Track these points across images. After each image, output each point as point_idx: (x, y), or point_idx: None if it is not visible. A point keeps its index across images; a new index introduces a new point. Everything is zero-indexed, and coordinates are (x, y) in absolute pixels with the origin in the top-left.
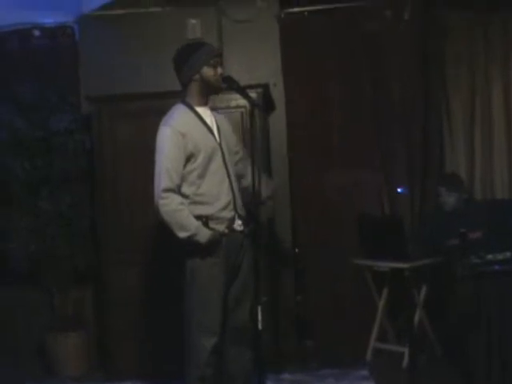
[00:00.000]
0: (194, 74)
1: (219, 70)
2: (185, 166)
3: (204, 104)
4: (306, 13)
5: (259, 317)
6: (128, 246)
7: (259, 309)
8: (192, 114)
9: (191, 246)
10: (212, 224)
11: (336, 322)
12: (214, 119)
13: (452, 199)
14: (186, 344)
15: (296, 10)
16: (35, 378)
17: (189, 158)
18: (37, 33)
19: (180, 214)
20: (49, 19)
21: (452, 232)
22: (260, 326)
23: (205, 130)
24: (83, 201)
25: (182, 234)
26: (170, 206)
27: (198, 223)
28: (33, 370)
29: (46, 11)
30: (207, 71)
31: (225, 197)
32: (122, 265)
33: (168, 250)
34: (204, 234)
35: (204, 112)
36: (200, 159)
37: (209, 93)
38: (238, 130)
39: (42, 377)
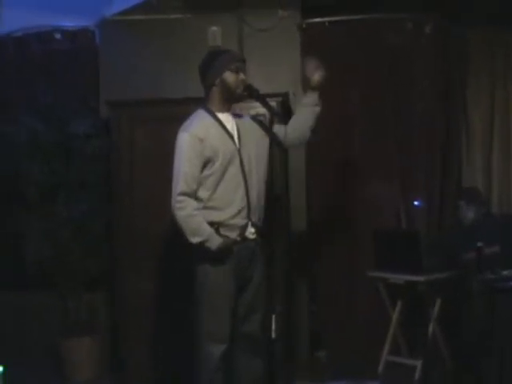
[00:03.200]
0: (216, 79)
1: (241, 76)
2: (202, 170)
3: (226, 110)
4: (327, 23)
5: (273, 326)
6: (142, 252)
7: (273, 318)
8: (212, 119)
9: (202, 252)
10: (223, 231)
11: (349, 333)
12: (235, 125)
13: (471, 213)
14: (196, 350)
15: (317, 20)
16: (47, 382)
17: (206, 163)
18: (58, 36)
19: (194, 219)
20: (70, 22)
21: (469, 246)
22: (273, 335)
23: (224, 135)
24: (99, 206)
25: (194, 239)
26: (185, 210)
27: (210, 230)
28: (45, 374)
29: (67, 14)
30: (228, 76)
31: (238, 203)
32: (136, 270)
33: (181, 256)
34: (215, 242)
35: (225, 118)
36: (217, 164)
37: (230, 99)
38: None
39: (55, 381)
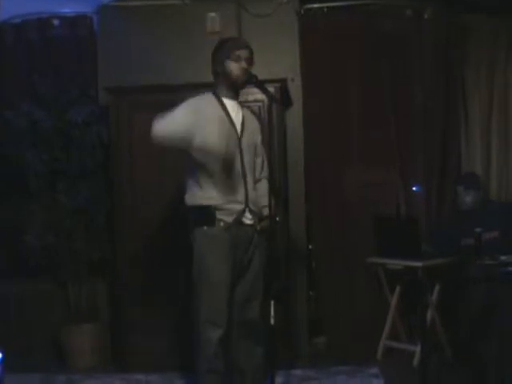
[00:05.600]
0: (218, 67)
1: (242, 64)
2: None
3: (233, 98)
4: (325, 9)
5: (272, 312)
6: (143, 239)
7: (272, 304)
8: (217, 103)
9: (199, 232)
10: (220, 215)
11: (348, 319)
12: (241, 114)
13: (469, 198)
14: (194, 336)
15: (316, 5)
16: (49, 369)
17: (196, 129)
18: (56, 22)
19: (174, 120)
20: (68, 9)
21: (467, 232)
22: (272, 322)
23: (226, 120)
24: (100, 194)
25: (192, 141)
26: (164, 123)
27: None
28: (46, 362)
29: (65, 1)
30: (229, 64)
31: (237, 190)
32: (137, 258)
33: (182, 243)
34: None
35: (232, 106)
36: (214, 149)
37: (233, 86)
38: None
39: (56, 369)
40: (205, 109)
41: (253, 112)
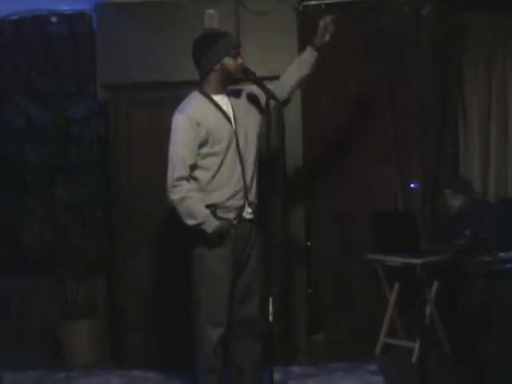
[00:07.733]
0: (215, 64)
1: (239, 61)
2: (198, 152)
3: (221, 92)
4: (323, 6)
5: (270, 309)
6: (141, 236)
7: (271, 301)
8: (208, 102)
9: (199, 235)
10: (220, 213)
11: (346, 316)
12: (230, 106)
13: (457, 202)
14: (194, 335)
15: (314, 2)
16: (47, 366)
17: (202, 145)
18: (54, 19)
19: (189, 201)
20: (66, 6)
21: (460, 233)
22: (271, 318)
23: (221, 117)
24: (97, 190)
25: (190, 222)
26: (180, 193)
27: (206, 212)
28: (45, 359)
29: None
30: (228, 61)
31: (235, 184)
32: (135, 253)
33: (180, 239)
34: (211, 224)
35: (221, 99)
36: (215, 147)
37: (227, 83)
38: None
39: (54, 365)
40: (202, 116)
41: (248, 95)
